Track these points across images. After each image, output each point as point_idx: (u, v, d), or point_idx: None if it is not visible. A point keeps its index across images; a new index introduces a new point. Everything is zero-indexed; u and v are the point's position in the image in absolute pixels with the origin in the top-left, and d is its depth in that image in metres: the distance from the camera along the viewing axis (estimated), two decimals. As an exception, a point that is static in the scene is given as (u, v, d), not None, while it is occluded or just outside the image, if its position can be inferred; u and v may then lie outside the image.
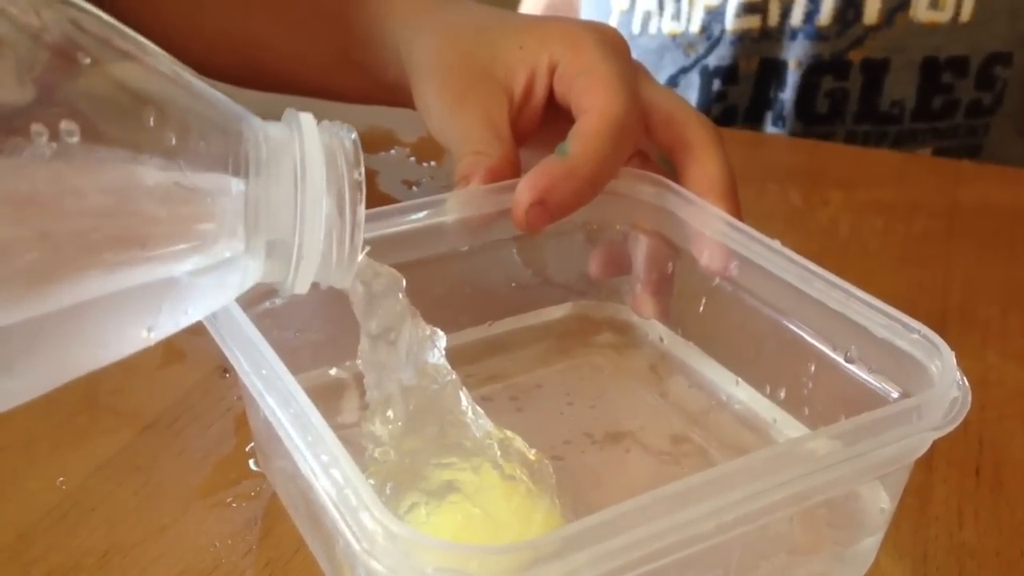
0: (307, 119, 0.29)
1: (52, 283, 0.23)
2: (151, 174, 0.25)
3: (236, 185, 0.27)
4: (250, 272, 0.28)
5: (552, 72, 0.43)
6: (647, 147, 0.45)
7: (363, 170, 0.29)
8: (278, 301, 0.39)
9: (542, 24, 0.46)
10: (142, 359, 0.46)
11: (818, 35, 0.74)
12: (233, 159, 0.27)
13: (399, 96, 0.49)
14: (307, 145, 0.28)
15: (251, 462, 0.41)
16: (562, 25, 0.45)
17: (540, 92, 0.44)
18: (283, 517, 0.38)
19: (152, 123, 0.25)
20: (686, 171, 0.43)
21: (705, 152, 0.43)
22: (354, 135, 0.29)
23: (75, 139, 0.23)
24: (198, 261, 0.26)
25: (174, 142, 0.25)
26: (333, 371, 0.41)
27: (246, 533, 0.38)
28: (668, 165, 0.45)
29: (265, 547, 0.37)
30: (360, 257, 0.30)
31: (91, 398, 0.44)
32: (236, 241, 0.27)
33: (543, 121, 0.45)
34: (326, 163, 0.28)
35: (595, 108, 0.41)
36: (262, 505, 0.39)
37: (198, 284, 0.27)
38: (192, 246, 0.26)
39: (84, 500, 0.39)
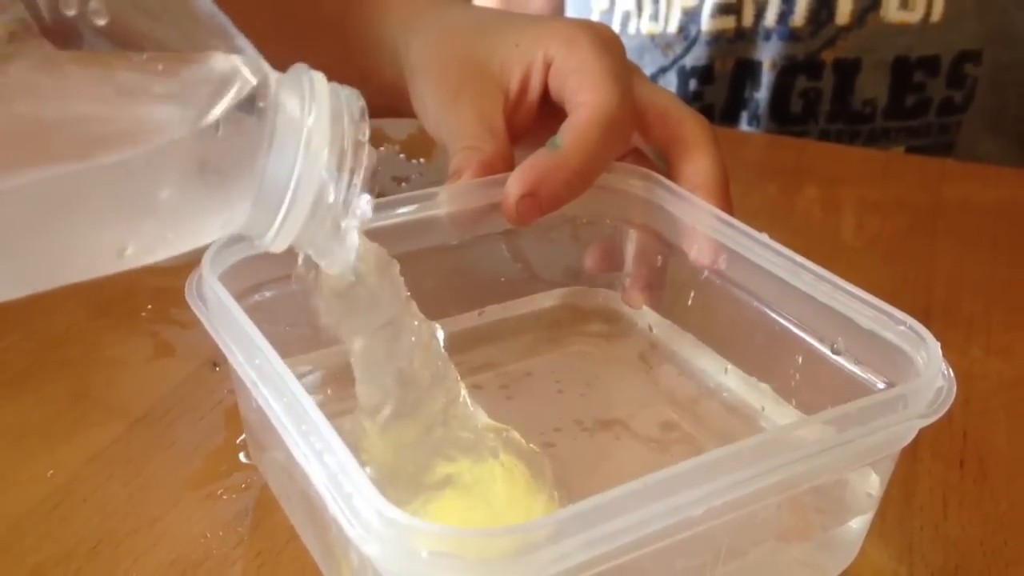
0: (319, 75, 0.29)
1: (29, 167, 0.23)
2: (155, 83, 0.25)
3: (239, 114, 0.26)
4: (236, 211, 0.28)
5: (547, 69, 0.44)
6: (643, 145, 0.46)
7: (368, 131, 0.29)
8: (268, 294, 0.39)
9: (538, 23, 0.46)
10: (132, 354, 0.47)
11: (791, 36, 0.74)
12: (242, 89, 0.26)
13: (396, 100, 0.49)
14: (317, 93, 0.28)
15: (241, 455, 0.41)
16: (558, 24, 0.45)
17: (535, 89, 0.44)
18: (274, 509, 0.38)
19: (166, 33, 0.25)
20: (680, 167, 0.44)
21: (699, 149, 0.43)
22: (362, 102, 0.29)
23: (98, 21, 0.23)
24: (186, 179, 0.26)
25: (181, 58, 0.25)
26: (324, 352, 0.41)
27: (237, 524, 0.38)
28: (663, 162, 0.45)
29: (256, 538, 0.37)
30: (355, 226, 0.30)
31: (81, 392, 0.44)
32: (231, 168, 0.27)
33: (538, 118, 0.45)
34: (331, 117, 0.28)
35: (588, 103, 0.41)
36: (253, 497, 0.39)
37: (182, 208, 0.26)
38: (183, 164, 0.26)
39: (76, 492, 0.39)
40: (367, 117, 0.29)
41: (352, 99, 0.29)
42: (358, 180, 0.29)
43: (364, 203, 0.30)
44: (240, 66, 0.27)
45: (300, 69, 0.29)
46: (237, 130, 0.26)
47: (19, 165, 0.23)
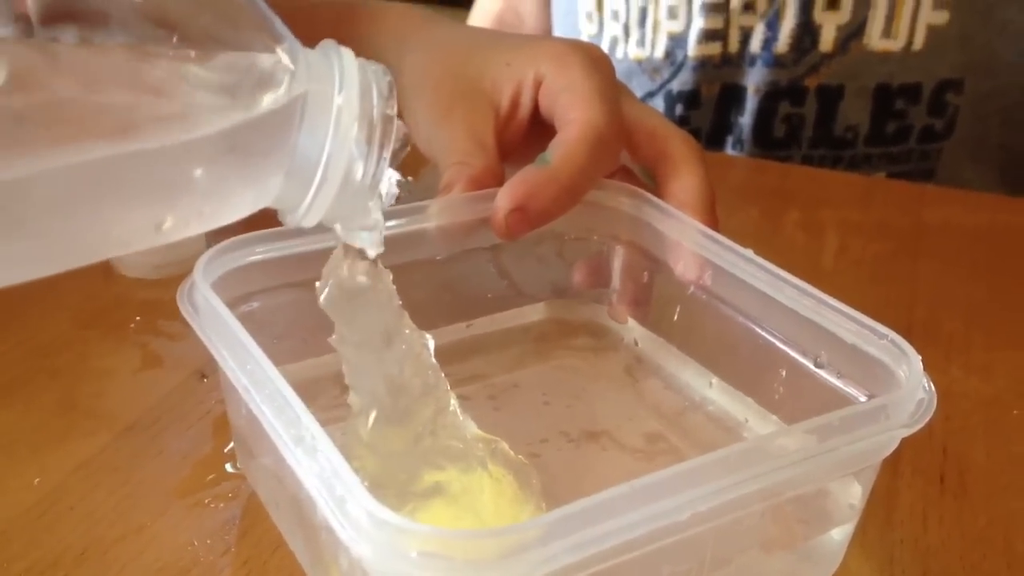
0: (347, 52, 0.29)
1: (71, 148, 0.23)
2: (191, 67, 0.25)
3: (272, 94, 0.27)
4: (269, 186, 0.28)
5: (538, 87, 0.45)
6: (631, 163, 0.46)
7: (396, 106, 0.29)
8: (256, 304, 0.40)
9: (530, 42, 0.47)
10: (120, 364, 0.47)
11: (776, 62, 0.76)
12: (278, 72, 0.27)
13: None
14: (346, 69, 0.28)
15: (228, 465, 0.41)
16: (549, 43, 0.46)
17: (526, 107, 0.45)
18: (262, 518, 0.38)
19: (199, 10, 0.25)
20: (667, 185, 0.44)
21: (686, 166, 0.44)
22: (389, 77, 0.29)
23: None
24: (221, 158, 0.26)
25: (215, 40, 0.25)
26: (313, 362, 0.41)
27: (224, 533, 0.38)
28: (651, 180, 0.46)
29: (243, 546, 0.37)
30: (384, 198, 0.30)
31: (70, 401, 0.44)
32: (264, 146, 0.27)
33: (528, 135, 0.46)
34: (360, 93, 0.28)
35: (577, 121, 0.42)
36: (240, 505, 0.39)
37: (217, 186, 0.27)
38: (218, 145, 0.26)
39: (63, 499, 0.39)
40: (395, 93, 0.29)
41: (380, 75, 0.29)
42: (387, 155, 0.29)
43: (392, 178, 0.30)
44: (275, 47, 0.27)
45: (328, 45, 0.29)
46: (270, 109, 0.27)
47: (62, 145, 0.23)
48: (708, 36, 0.76)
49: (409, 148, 0.31)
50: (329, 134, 0.28)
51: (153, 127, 0.25)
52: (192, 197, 0.26)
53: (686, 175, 0.44)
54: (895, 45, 0.74)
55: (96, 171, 0.24)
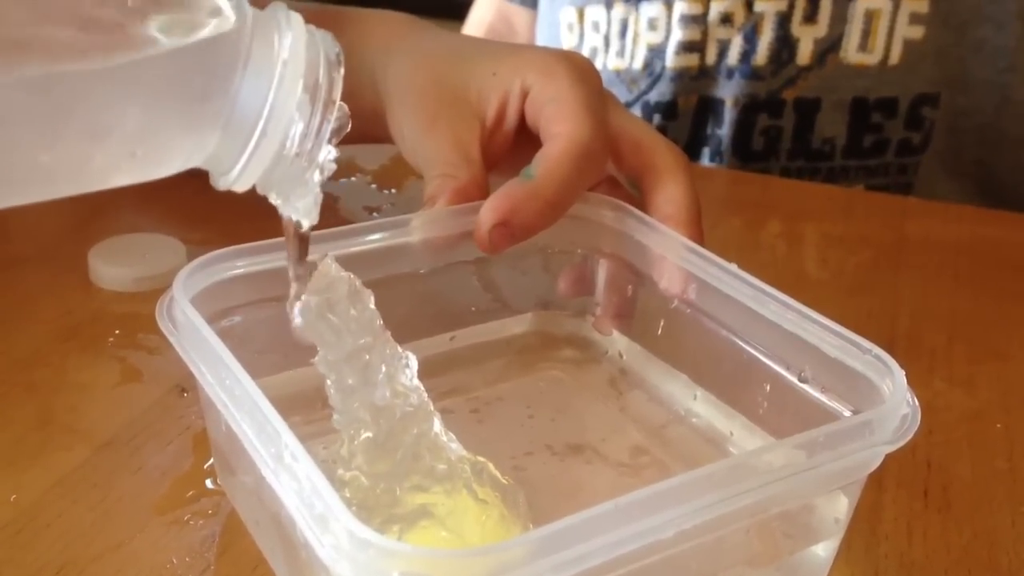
0: (296, 15, 0.29)
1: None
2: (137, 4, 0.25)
3: (216, 37, 0.26)
4: (206, 137, 0.28)
5: (524, 98, 0.44)
6: (616, 173, 0.46)
7: (343, 72, 0.29)
8: (237, 319, 0.39)
9: (517, 52, 0.47)
10: (99, 378, 0.47)
11: (753, 74, 0.76)
12: (220, 15, 0.27)
13: (373, 125, 0.49)
14: (294, 29, 0.28)
15: (208, 481, 0.41)
16: (536, 53, 0.46)
17: (512, 117, 0.45)
18: (241, 535, 0.38)
19: None
20: (652, 196, 0.44)
21: (670, 177, 0.44)
22: (338, 46, 0.29)
23: None
24: (159, 94, 0.26)
25: None
26: (294, 377, 0.41)
27: (204, 550, 0.37)
28: (637, 191, 0.46)
29: (223, 564, 0.37)
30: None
31: (47, 416, 0.44)
32: (205, 87, 0.27)
33: (514, 146, 0.45)
34: (307, 53, 0.28)
35: (562, 134, 0.42)
36: (220, 522, 0.39)
37: (154, 124, 0.26)
38: (158, 79, 0.26)
39: (40, 516, 0.38)
40: (343, 61, 0.29)
41: (328, 42, 0.29)
42: (330, 118, 0.29)
43: (330, 153, 0.30)
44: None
45: (278, 7, 0.29)
46: (214, 53, 0.26)
47: None
48: (686, 48, 0.76)
49: (349, 128, 0.30)
50: (272, 88, 0.27)
51: (89, 52, 0.24)
52: (124, 131, 0.26)
53: (671, 186, 0.44)
54: (871, 59, 0.74)
55: (25, 90, 0.23)
